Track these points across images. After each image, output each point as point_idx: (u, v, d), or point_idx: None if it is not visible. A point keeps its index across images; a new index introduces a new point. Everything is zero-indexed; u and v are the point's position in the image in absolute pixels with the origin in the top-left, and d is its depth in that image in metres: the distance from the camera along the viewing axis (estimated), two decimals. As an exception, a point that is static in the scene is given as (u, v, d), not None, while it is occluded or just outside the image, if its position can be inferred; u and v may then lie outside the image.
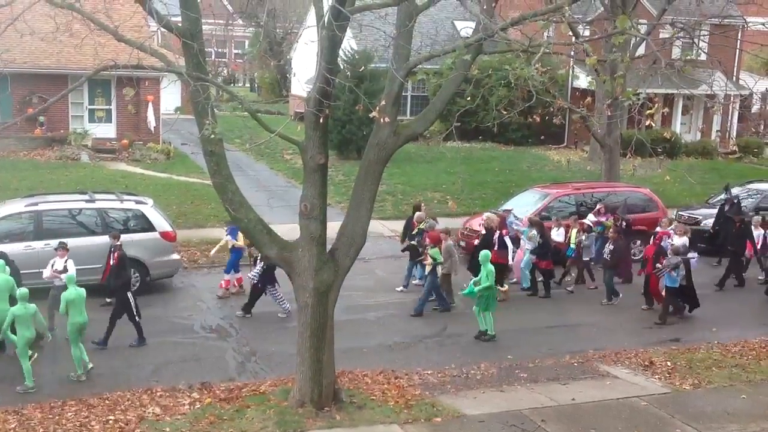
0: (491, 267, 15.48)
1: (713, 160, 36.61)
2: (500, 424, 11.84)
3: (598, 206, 20.60)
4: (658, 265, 16.99)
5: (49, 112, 29.28)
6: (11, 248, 16.58)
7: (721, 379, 13.92)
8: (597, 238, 19.17)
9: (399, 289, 18.31)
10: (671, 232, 18.70)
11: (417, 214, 18.83)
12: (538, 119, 21.07)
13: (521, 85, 11.33)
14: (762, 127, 42.04)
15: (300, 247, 11.76)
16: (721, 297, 19.05)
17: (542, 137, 36.53)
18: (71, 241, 17.11)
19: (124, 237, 17.58)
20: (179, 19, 11.41)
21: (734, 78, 37.96)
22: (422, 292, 17.26)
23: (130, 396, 12.43)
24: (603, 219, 19.81)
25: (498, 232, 18.07)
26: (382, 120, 11.16)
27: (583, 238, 18.92)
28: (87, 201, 18.03)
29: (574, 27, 21.91)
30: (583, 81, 35.39)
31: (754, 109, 42.16)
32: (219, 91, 14.72)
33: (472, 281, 15.94)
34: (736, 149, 38.27)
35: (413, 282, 18.49)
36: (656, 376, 13.99)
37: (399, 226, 23.91)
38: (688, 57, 30.53)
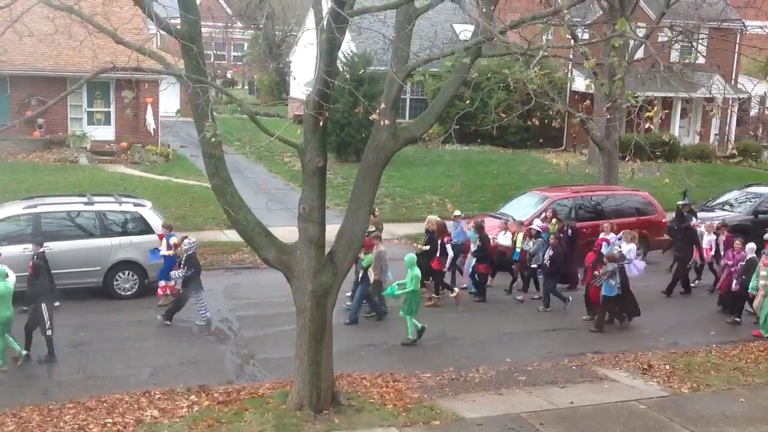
0: (417, 271, 15.36)
1: (712, 164, 36.66)
2: (498, 427, 11.82)
3: (544, 212, 20.15)
4: (596, 273, 16.61)
5: (47, 115, 29.26)
6: (10, 250, 16.58)
7: (720, 383, 13.91)
8: (543, 245, 18.33)
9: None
10: (611, 239, 18.06)
11: None
12: (536, 122, 21.08)
13: (520, 88, 11.34)
14: (760, 130, 42.08)
15: (298, 249, 11.76)
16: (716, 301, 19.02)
17: (541, 140, 36.56)
18: (70, 244, 17.19)
19: (122, 239, 17.68)
20: (178, 21, 11.41)
21: (733, 81, 37.98)
22: (354, 299, 16.83)
23: (128, 399, 12.41)
24: (549, 225, 19.20)
25: (440, 238, 17.74)
26: (381, 123, 11.16)
27: (531, 244, 18.38)
28: (85, 203, 18.04)
29: (573, 30, 21.91)
30: (581, 84, 35.39)
31: (753, 112, 42.21)
32: (218, 94, 14.64)
33: (395, 283, 15.80)
34: (735, 152, 38.29)
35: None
36: (655, 380, 13.98)
37: (398, 229, 23.99)
38: (687, 60, 30.59)
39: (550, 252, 17.69)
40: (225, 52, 66.37)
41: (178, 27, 11.29)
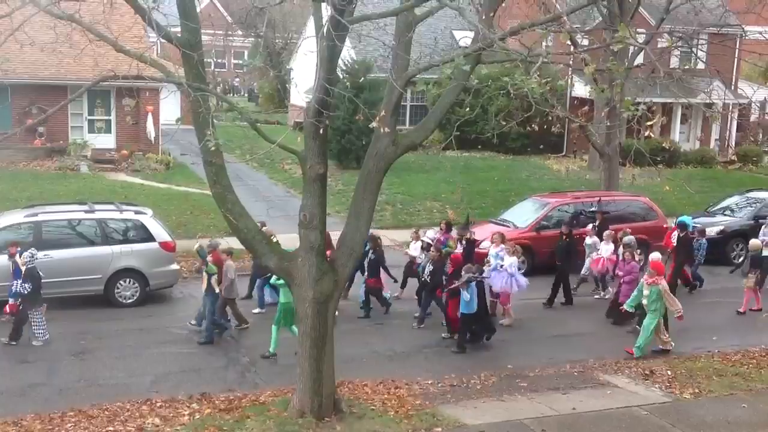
0: None
1: (712, 169, 36.65)
2: (501, 433, 11.82)
3: (441, 223, 19.16)
4: (452, 286, 15.57)
5: (48, 123, 29.34)
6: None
7: (722, 388, 13.89)
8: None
9: (255, 311, 17.30)
10: (498, 250, 17.05)
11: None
12: (537, 128, 21.11)
13: (520, 95, 11.35)
14: (761, 135, 42.09)
15: (299, 256, 11.77)
16: (720, 304, 18.98)
17: (541, 146, 36.58)
18: (71, 252, 17.18)
19: (123, 247, 17.67)
20: (179, 29, 11.44)
21: (733, 87, 38.01)
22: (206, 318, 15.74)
23: (129, 407, 12.40)
24: (444, 237, 18.14)
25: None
26: (382, 130, 11.17)
27: (423, 257, 17.42)
28: (86, 211, 18.03)
29: (572, 36, 21.95)
30: (582, 90, 35.46)
31: (753, 117, 42.21)
32: (219, 102, 14.65)
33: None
34: (735, 158, 38.31)
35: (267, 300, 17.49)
36: (657, 385, 13.97)
37: (398, 235, 23.98)
38: (687, 66, 30.64)
39: (430, 267, 16.61)
40: (225, 60, 66.54)
41: (179, 35, 11.31)
